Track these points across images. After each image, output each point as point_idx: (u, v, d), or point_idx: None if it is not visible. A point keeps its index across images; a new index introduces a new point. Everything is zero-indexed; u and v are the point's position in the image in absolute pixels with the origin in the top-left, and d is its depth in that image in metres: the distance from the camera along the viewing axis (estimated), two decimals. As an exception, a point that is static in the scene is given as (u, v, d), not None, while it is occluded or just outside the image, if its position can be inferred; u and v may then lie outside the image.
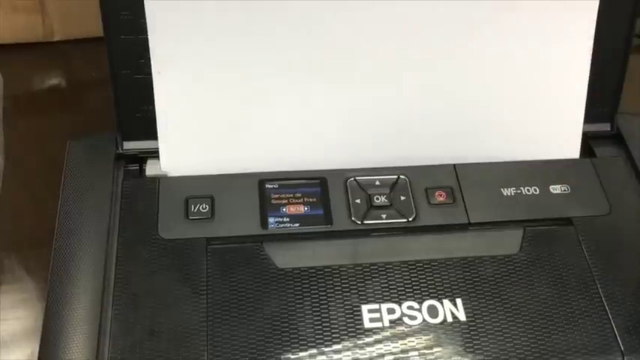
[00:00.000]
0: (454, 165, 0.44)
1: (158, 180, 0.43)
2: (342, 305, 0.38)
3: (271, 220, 0.41)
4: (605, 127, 0.47)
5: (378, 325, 0.38)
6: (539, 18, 0.44)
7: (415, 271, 0.40)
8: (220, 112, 0.43)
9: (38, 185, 0.49)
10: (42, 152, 0.51)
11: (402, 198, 0.43)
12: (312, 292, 0.39)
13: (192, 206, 0.41)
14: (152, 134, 0.43)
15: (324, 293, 0.39)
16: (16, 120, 0.54)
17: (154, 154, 0.44)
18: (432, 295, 0.39)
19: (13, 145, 0.51)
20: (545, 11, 0.43)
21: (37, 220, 0.47)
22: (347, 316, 0.38)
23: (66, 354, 0.36)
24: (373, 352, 0.37)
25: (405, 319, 0.38)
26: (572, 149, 0.46)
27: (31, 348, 0.41)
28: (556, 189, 0.44)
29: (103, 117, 0.46)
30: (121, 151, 0.44)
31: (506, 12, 0.43)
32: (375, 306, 0.38)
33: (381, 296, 0.39)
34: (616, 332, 0.38)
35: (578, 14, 0.44)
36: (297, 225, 0.41)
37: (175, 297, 0.38)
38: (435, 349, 0.37)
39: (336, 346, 0.37)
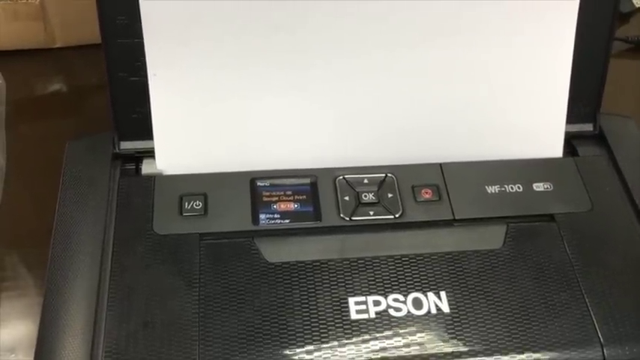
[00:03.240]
0: (440, 164, 0.45)
1: (153, 178, 0.44)
2: (329, 298, 0.39)
3: (262, 216, 0.43)
4: (588, 127, 0.48)
5: (365, 316, 0.39)
6: (522, 19, 0.45)
7: (401, 265, 0.41)
8: (214, 113, 0.45)
9: (39, 186, 0.50)
10: (43, 154, 0.52)
11: (390, 195, 0.44)
12: (301, 285, 0.40)
13: (186, 203, 0.43)
14: (148, 134, 0.45)
15: (313, 286, 0.40)
16: (17, 124, 0.55)
17: (150, 153, 0.45)
18: (417, 287, 0.40)
19: (15, 147, 0.53)
20: (527, 13, 0.45)
21: (38, 219, 0.49)
22: (334, 308, 0.39)
23: (63, 342, 0.37)
24: (360, 342, 0.38)
25: (391, 311, 0.39)
26: (555, 148, 0.47)
27: (32, 343, 0.42)
28: (539, 187, 0.45)
29: (102, 121, 0.47)
30: (118, 151, 0.45)
31: (490, 14, 0.44)
32: (362, 298, 0.39)
33: (367, 289, 0.40)
34: (595, 324, 0.39)
35: (558, 15, 0.45)
36: (287, 221, 0.43)
37: (169, 290, 0.39)
38: (419, 340, 0.38)
39: (323, 337, 0.38)
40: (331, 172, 0.45)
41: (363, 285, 0.40)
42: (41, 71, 0.60)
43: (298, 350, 0.38)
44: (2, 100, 0.54)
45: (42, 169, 0.51)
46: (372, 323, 0.39)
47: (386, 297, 0.40)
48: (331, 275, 0.40)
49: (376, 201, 0.44)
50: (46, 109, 0.58)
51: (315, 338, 0.38)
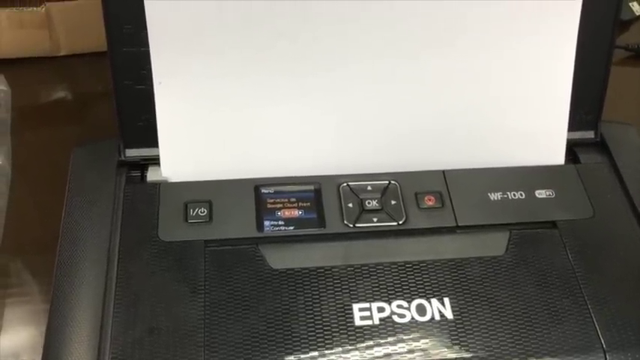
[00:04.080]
0: (443, 171, 0.46)
1: (159, 185, 0.44)
2: (334, 304, 0.40)
3: (266, 223, 0.43)
4: (590, 134, 0.49)
5: (369, 322, 0.39)
6: (523, 27, 0.45)
7: (405, 271, 0.41)
8: (218, 120, 0.45)
9: (44, 192, 0.51)
10: (47, 161, 0.53)
11: (393, 202, 0.44)
12: (306, 291, 0.40)
13: (191, 210, 0.43)
14: (153, 142, 0.45)
15: (317, 293, 0.40)
16: (22, 131, 0.55)
17: (155, 160, 0.45)
18: (420, 294, 0.40)
19: (20, 153, 0.53)
20: (528, 20, 0.45)
21: (43, 226, 0.49)
22: (339, 314, 0.39)
23: (69, 348, 0.37)
24: (364, 348, 0.38)
25: (395, 317, 0.39)
26: (557, 156, 0.47)
27: (36, 349, 0.43)
28: (541, 194, 0.45)
29: (106, 128, 0.48)
30: (123, 158, 0.46)
31: (492, 21, 0.45)
32: (366, 305, 0.40)
33: (371, 295, 0.40)
34: (598, 330, 0.39)
35: (560, 23, 0.45)
36: (291, 228, 0.43)
37: (174, 296, 0.39)
38: (423, 346, 0.38)
39: (328, 343, 0.38)
40: (335, 179, 0.45)
41: (367, 291, 0.40)
42: (46, 79, 0.60)
43: (303, 356, 0.38)
44: (8, 107, 0.55)
45: (46, 176, 0.52)
46: (376, 329, 0.39)
47: (390, 303, 0.40)
48: (335, 282, 0.41)
49: (379, 208, 0.44)
50: (50, 116, 0.58)
51: (319, 344, 0.38)
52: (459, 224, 0.44)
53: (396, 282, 0.41)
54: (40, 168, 0.53)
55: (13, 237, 0.49)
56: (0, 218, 0.49)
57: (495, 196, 0.45)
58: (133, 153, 0.46)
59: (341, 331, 0.39)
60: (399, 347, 0.38)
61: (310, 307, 0.39)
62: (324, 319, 0.39)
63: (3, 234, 0.48)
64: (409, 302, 0.40)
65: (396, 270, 0.41)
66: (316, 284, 0.40)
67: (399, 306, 0.40)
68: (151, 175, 0.46)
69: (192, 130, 0.45)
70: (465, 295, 0.40)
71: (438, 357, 0.38)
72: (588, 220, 0.44)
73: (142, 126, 0.45)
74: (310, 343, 0.38)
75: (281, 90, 0.45)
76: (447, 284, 0.41)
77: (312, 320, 0.39)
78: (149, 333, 0.38)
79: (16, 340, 0.44)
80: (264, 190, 0.44)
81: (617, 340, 0.39)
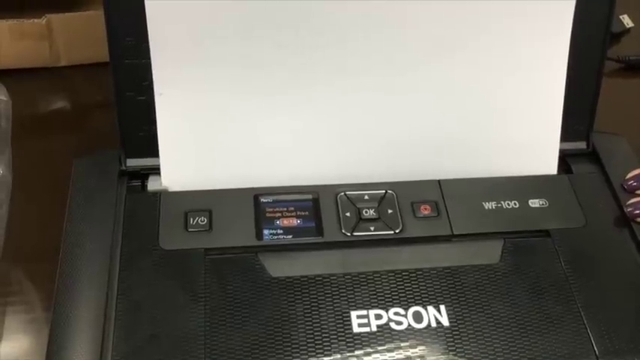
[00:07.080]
0: (439, 180, 0.47)
1: (159, 195, 0.45)
2: (332, 311, 0.40)
3: (266, 232, 0.44)
4: (582, 145, 0.50)
5: (366, 330, 0.40)
6: (518, 40, 0.46)
7: (401, 279, 0.42)
8: (218, 130, 0.46)
9: (44, 201, 0.51)
10: (47, 170, 0.53)
11: (390, 211, 0.45)
12: (304, 299, 0.41)
13: (191, 219, 0.43)
14: (154, 152, 0.45)
15: (316, 300, 0.41)
16: (22, 140, 0.55)
17: (156, 170, 0.46)
18: (417, 301, 0.41)
19: (20, 162, 0.53)
20: (522, 33, 0.46)
21: (43, 234, 0.49)
22: (337, 321, 0.40)
23: (71, 356, 0.38)
24: (361, 355, 0.39)
25: (392, 324, 0.40)
26: (549, 166, 0.48)
27: (36, 357, 0.43)
28: (535, 203, 0.46)
29: (105, 138, 0.48)
30: (124, 168, 0.46)
31: (487, 34, 0.46)
32: (364, 312, 0.40)
33: (369, 303, 0.41)
34: (591, 337, 0.40)
35: (552, 36, 0.46)
36: (290, 237, 0.44)
37: (175, 304, 0.40)
38: (419, 353, 0.39)
39: (326, 350, 0.39)
40: (332, 189, 0.46)
41: (364, 299, 0.41)
42: (46, 89, 0.60)
43: (302, 363, 0.38)
44: (8, 117, 0.55)
45: (46, 185, 0.52)
46: (374, 336, 0.39)
47: (387, 311, 0.40)
48: (333, 289, 0.41)
49: (376, 217, 0.45)
50: (50, 126, 0.59)
51: (318, 351, 0.39)
52: (455, 233, 0.44)
53: (393, 289, 0.41)
54: (40, 177, 0.53)
55: (13, 245, 0.49)
56: (0, 227, 0.49)
57: (490, 206, 0.46)
58: (133, 163, 0.46)
59: (339, 338, 0.39)
60: (396, 354, 0.39)
61: (309, 315, 0.40)
62: (322, 327, 0.40)
63: (4, 243, 0.49)
64: (406, 309, 0.41)
65: (393, 278, 0.42)
66: (315, 292, 0.41)
67: (396, 313, 0.40)
68: (152, 185, 0.46)
69: (193, 140, 0.46)
70: (461, 303, 0.41)
71: (435, 363, 0.39)
72: (581, 229, 0.45)
73: (143, 136, 0.46)
74: (309, 350, 0.39)
75: (280, 100, 0.46)
76: (443, 292, 0.41)
77: (310, 327, 0.39)
78: (150, 341, 0.38)
79: (16, 348, 0.44)
80: (263, 200, 0.45)
81: (609, 347, 0.40)
